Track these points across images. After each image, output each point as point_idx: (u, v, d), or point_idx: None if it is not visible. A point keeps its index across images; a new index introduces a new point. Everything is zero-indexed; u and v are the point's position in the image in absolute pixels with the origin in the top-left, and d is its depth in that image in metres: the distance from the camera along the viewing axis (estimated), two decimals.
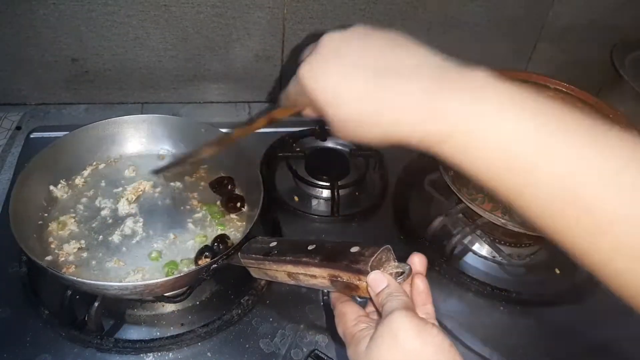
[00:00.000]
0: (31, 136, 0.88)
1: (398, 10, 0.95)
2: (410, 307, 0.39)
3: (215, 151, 0.65)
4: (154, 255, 0.67)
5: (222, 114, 1.01)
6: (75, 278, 0.58)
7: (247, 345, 0.63)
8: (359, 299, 0.46)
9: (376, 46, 0.38)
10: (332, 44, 0.40)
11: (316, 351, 0.61)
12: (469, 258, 0.79)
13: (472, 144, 0.34)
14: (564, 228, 0.33)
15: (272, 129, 0.94)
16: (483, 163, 0.34)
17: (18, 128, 0.92)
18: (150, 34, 0.90)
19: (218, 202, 0.74)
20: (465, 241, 0.79)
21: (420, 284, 0.44)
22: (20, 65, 0.91)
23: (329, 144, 0.93)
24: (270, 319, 0.66)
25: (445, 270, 0.74)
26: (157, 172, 0.76)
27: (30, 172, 0.69)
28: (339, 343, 0.53)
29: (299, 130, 0.93)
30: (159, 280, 0.58)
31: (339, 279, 0.45)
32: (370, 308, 0.45)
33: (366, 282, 0.43)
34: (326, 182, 0.84)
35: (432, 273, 0.74)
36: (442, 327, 0.67)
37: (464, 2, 0.96)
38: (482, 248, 0.79)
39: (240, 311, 0.65)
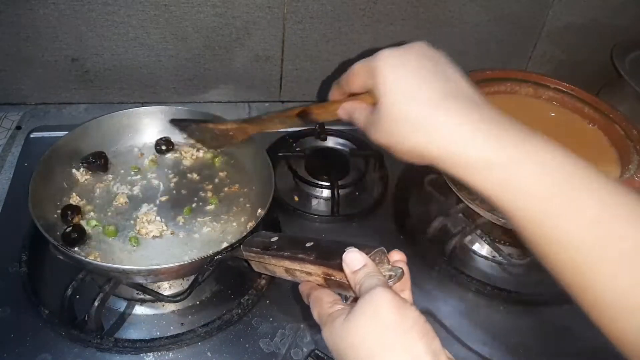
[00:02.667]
0: (31, 136, 0.88)
1: (398, 10, 0.95)
2: (388, 287, 0.40)
3: (238, 133, 0.68)
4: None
5: (222, 113, 1.00)
6: (82, 257, 0.58)
7: (247, 345, 0.63)
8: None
9: (447, 72, 0.42)
10: (416, 46, 0.43)
11: (316, 351, 0.61)
12: (469, 258, 0.79)
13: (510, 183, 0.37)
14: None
15: None
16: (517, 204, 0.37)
17: (18, 128, 0.92)
18: (150, 34, 0.90)
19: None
20: (465, 241, 0.79)
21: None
22: (20, 65, 0.91)
23: (329, 144, 0.93)
24: (270, 319, 0.66)
25: (445, 270, 0.74)
26: (174, 121, 0.78)
27: (54, 154, 0.71)
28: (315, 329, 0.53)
29: (299, 130, 0.93)
30: (162, 266, 0.59)
31: (332, 277, 0.45)
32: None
33: (341, 259, 0.43)
34: (326, 182, 0.84)
35: (432, 273, 0.75)
36: (443, 327, 0.68)
37: (463, 2, 0.96)
38: (482, 248, 0.79)
39: (240, 311, 0.65)
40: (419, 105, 0.39)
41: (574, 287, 0.36)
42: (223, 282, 0.70)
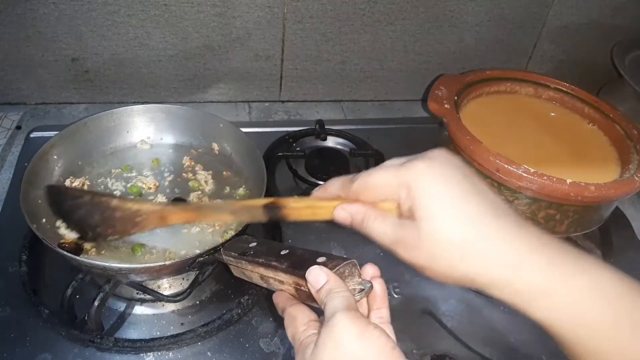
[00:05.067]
0: (31, 136, 0.88)
1: (398, 10, 0.95)
2: (352, 306, 0.38)
3: (153, 219, 0.54)
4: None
5: (222, 113, 1.01)
6: (66, 253, 0.58)
7: (247, 345, 0.63)
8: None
9: (480, 185, 0.38)
10: (441, 156, 0.39)
11: None
12: None
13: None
14: None
15: (272, 128, 0.95)
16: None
17: (18, 127, 0.92)
18: (150, 34, 0.90)
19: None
20: None
21: (377, 287, 0.43)
22: (20, 64, 0.91)
23: (329, 143, 0.93)
24: (270, 319, 0.66)
25: None
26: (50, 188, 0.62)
27: (49, 150, 0.71)
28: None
29: (299, 130, 0.93)
30: (142, 265, 0.59)
31: (302, 287, 0.44)
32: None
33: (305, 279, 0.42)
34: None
35: None
36: (442, 327, 0.68)
37: (464, 2, 0.96)
38: None
39: (240, 310, 0.65)
40: (467, 226, 0.36)
41: None
42: (223, 281, 0.70)
